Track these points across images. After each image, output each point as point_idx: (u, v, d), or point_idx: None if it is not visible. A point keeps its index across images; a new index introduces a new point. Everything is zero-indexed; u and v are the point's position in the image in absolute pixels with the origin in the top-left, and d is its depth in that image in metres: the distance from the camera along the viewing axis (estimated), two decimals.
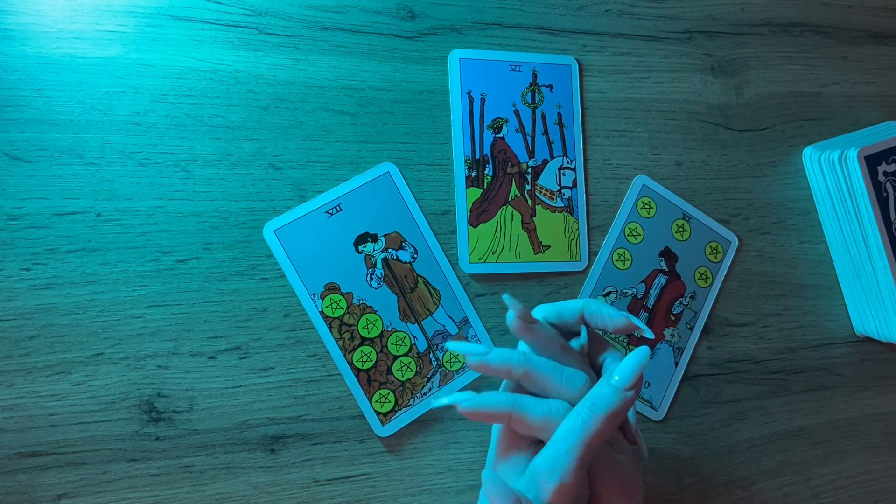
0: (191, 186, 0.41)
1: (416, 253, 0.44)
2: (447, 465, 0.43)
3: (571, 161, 0.47)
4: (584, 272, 0.46)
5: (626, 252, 0.47)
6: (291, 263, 0.42)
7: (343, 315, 0.42)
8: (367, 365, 0.42)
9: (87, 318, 0.39)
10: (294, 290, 0.41)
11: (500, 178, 0.46)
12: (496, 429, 0.34)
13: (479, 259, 0.45)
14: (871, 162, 0.47)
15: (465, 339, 0.44)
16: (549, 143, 0.47)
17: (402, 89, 0.45)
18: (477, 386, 0.44)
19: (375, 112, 0.44)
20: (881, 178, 0.47)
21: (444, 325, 0.43)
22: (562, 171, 0.47)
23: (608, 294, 0.46)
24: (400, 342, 0.43)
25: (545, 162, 0.47)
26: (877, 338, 0.49)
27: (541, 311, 0.35)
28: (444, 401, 0.31)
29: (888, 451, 0.50)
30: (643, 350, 0.31)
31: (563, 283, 0.46)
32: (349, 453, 0.41)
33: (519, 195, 0.46)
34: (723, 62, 0.51)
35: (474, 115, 0.46)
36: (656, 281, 0.47)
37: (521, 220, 0.46)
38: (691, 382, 0.47)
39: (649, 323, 0.47)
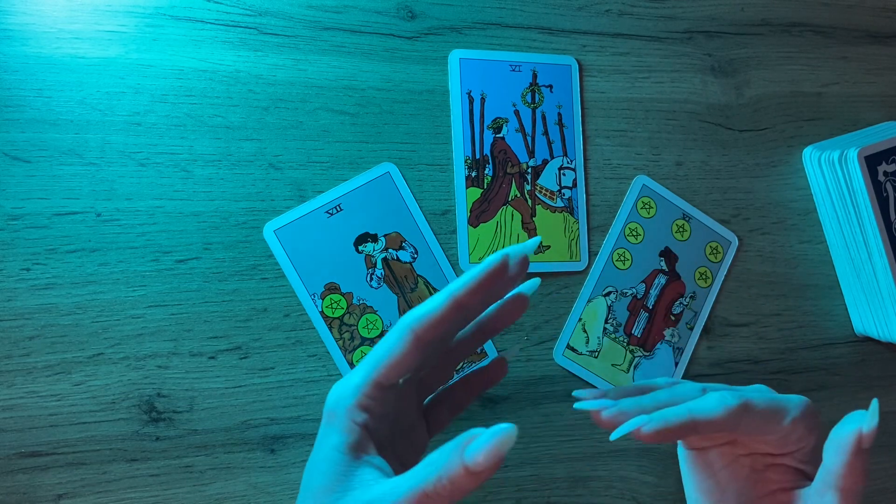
0: (191, 186, 0.41)
1: (417, 253, 0.44)
2: None
3: (571, 161, 0.47)
4: (585, 272, 0.46)
5: (626, 252, 0.47)
6: (291, 263, 0.42)
7: (343, 315, 0.42)
8: None
9: (87, 318, 0.39)
10: (294, 290, 0.41)
11: (500, 178, 0.46)
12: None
13: (479, 259, 0.45)
14: (871, 162, 0.47)
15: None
16: (549, 143, 0.47)
17: (402, 89, 0.45)
18: None
19: (375, 112, 0.44)
20: (881, 178, 0.47)
21: None
22: (562, 171, 0.47)
23: (608, 294, 0.46)
24: None
25: (545, 162, 0.47)
26: (877, 338, 0.49)
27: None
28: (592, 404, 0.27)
29: (888, 451, 0.50)
30: (507, 428, 0.23)
31: (563, 283, 0.46)
32: None
33: (519, 195, 0.46)
34: (723, 62, 0.51)
35: (474, 115, 0.46)
36: (656, 281, 0.47)
37: (521, 220, 0.46)
38: None
39: (649, 323, 0.47)
